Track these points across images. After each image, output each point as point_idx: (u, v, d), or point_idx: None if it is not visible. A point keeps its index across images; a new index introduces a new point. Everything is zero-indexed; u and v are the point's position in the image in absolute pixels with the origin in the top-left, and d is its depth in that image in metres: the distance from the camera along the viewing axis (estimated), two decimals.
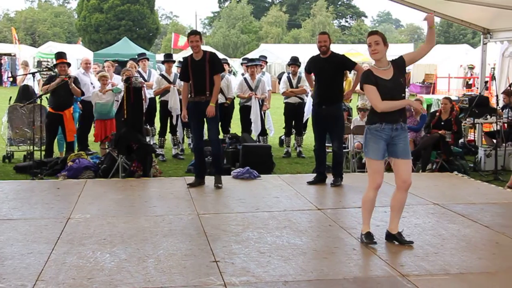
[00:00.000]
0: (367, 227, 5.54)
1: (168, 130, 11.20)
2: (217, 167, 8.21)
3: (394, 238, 5.51)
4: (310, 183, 8.25)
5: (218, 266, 4.83)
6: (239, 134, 11.13)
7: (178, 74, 11.33)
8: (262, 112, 11.33)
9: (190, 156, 10.84)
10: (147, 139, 10.32)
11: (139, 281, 4.49)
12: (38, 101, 9.48)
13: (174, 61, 11.77)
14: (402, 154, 5.39)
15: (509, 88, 10.60)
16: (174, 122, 10.96)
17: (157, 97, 11.37)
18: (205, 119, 8.02)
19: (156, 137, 11.47)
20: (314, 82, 8.35)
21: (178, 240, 5.55)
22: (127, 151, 8.83)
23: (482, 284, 4.56)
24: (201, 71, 7.85)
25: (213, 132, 8.11)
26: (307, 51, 20.65)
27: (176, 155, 11.08)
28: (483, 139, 11.40)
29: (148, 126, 11.09)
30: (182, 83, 10.98)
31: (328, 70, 8.03)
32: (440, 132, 9.72)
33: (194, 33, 8.01)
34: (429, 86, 28.44)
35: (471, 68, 21.51)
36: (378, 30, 5.61)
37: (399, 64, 5.40)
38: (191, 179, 8.40)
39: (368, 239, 5.47)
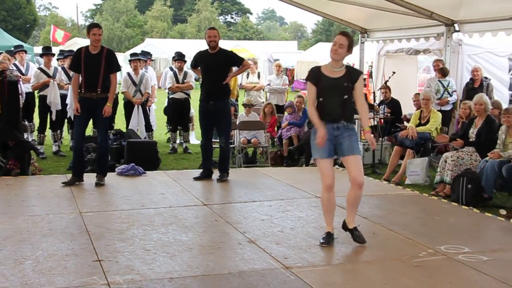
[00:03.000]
0: (327, 227, 5.48)
1: (48, 126, 10.75)
2: (102, 168, 7.95)
3: (349, 232, 5.46)
4: (196, 178, 8.23)
5: (102, 265, 4.70)
6: (124, 130, 10.89)
7: (59, 68, 10.98)
8: (147, 108, 11.17)
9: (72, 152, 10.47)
10: (25, 135, 9.87)
11: (15, 284, 4.27)
12: None
13: (53, 54, 11.29)
14: (348, 151, 5.28)
15: (384, 85, 11.14)
16: (54, 118, 10.54)
17: (35, 92, 10.87)
18: (93, 117, 7.79)
19: (35, 133, 10.98)
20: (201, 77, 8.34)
21: (59, 240, 5.34)
22: (2, 148, 8.36)
23: (360, 272, 4.77)
24: (96, 66, 7.54)
25: (102, 132, 7.87)
26: (193, 46, 20.59)
27: (56, 152, 10.66)
28: (362, 134, 11.92)
29: (26, 122, 10.60)
30: (62, 77, 10.71)
31: (216, 65, 8.04)
32: None
33: (97, 25, 7.76)
34: None
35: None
36: (348, 32, 5.45)
37: (353, 76, 5.30)
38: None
39: (323, 239, 5.43)
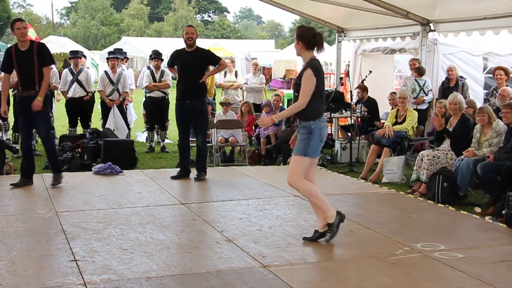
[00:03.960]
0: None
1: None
2: (54, 167, 7.71)
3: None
4: (174, 177, 8.20)
5: (78, 265, 4.66)
6: (100, 128, 10.81)
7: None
8: (124, 107, 11.11)
9: None
10: None
11: None
12: None
13: None
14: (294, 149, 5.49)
15: (361, 83, 11.21)
16: None
17: (10, 90, 10.70)
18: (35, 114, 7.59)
19: (10, 132, 10.83)
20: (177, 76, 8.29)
21: (34, 240, 5.28)
22: None
23: (338, 271, 4.79)
24: (29, 63, 7.27)
25: (42, 130, 7.60)
26: (170, 45, 20.42)
27: None
28: (339, 132, 11.98)
29: (1, 121, 10.46)
30: None
31: (193, 64, 8.01)
32: None
33: (19, 19, 7.47)
34: (289, 81, 29.37)
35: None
36: (303, 25, 5.55)
37: (302, 71, 5.34)
38: (49, 176, 8.04)
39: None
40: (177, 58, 8.23)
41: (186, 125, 8.26)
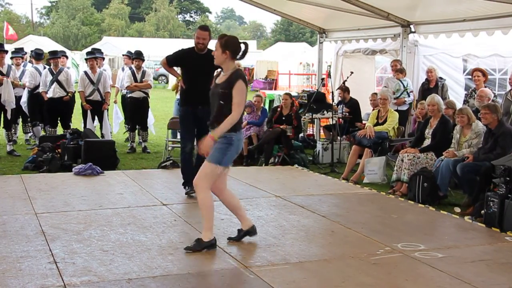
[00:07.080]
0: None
1: (1, 125, 10.50)
2: None
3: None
4: (188, 193, 7.37)
5: (58, 267, 4.62)
6: (81, 129, 10.73)
7: (13, 66, 10.76)
8: (103, 110, 11.04)
9: (27, 152, 10.27)
10: None
11: None
12: None
13: (6, 51, 11.03)
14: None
15: (343, 84, 11.26)
16: (9, 117, 10.29)
17: None
18: None
19: None
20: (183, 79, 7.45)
21: (13, 242, 5.22)
22: None
23: (319, 270, 4.81)
24: None
25: None
26: (151, 45, 20.44)
27: (11, 151, 10.41)
28: (321, 133, 12.02)
29: None
30: (16, 75, 10.48)
31: (206, 68, 7.06)
32: (281, 126, 10.08)
33: None
34: (271, 82, 29.43)
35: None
36: (223, 34, 5.42)
37: (230, 82, 5.20)
38: (27, 176, 7.97)
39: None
40: (185, 60, 7.44)
41: (193, 133, 7.47)
